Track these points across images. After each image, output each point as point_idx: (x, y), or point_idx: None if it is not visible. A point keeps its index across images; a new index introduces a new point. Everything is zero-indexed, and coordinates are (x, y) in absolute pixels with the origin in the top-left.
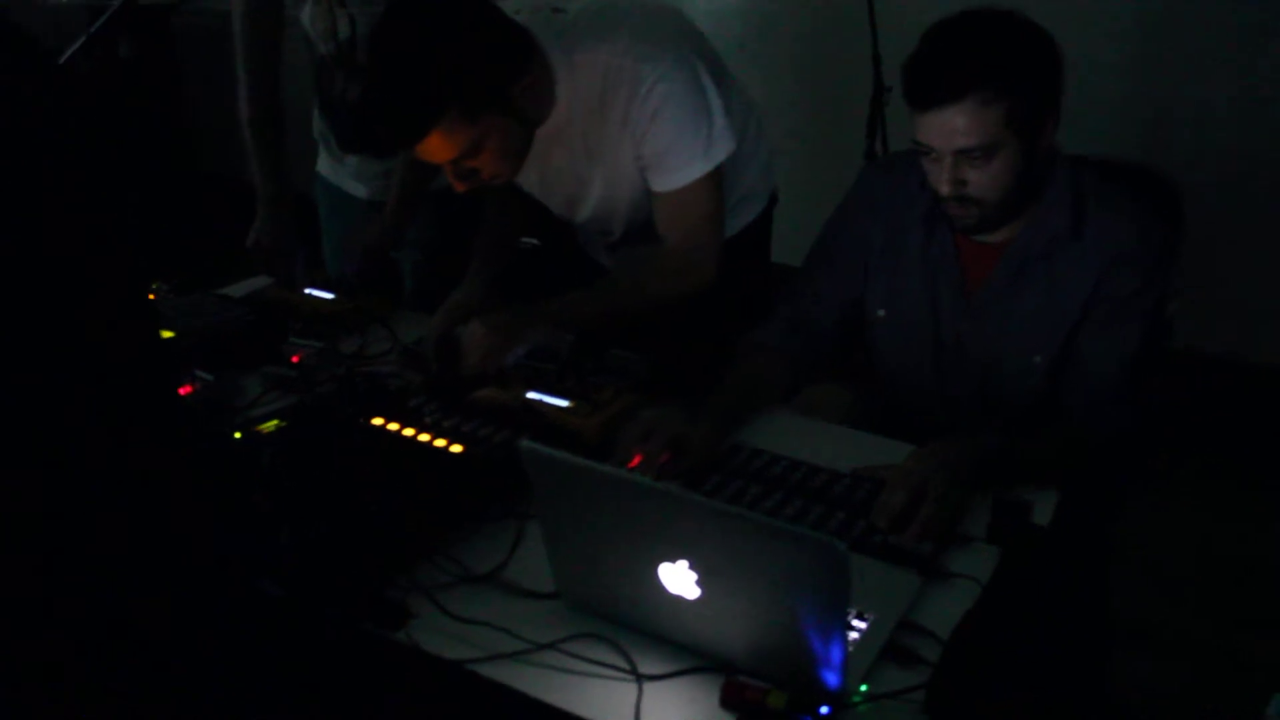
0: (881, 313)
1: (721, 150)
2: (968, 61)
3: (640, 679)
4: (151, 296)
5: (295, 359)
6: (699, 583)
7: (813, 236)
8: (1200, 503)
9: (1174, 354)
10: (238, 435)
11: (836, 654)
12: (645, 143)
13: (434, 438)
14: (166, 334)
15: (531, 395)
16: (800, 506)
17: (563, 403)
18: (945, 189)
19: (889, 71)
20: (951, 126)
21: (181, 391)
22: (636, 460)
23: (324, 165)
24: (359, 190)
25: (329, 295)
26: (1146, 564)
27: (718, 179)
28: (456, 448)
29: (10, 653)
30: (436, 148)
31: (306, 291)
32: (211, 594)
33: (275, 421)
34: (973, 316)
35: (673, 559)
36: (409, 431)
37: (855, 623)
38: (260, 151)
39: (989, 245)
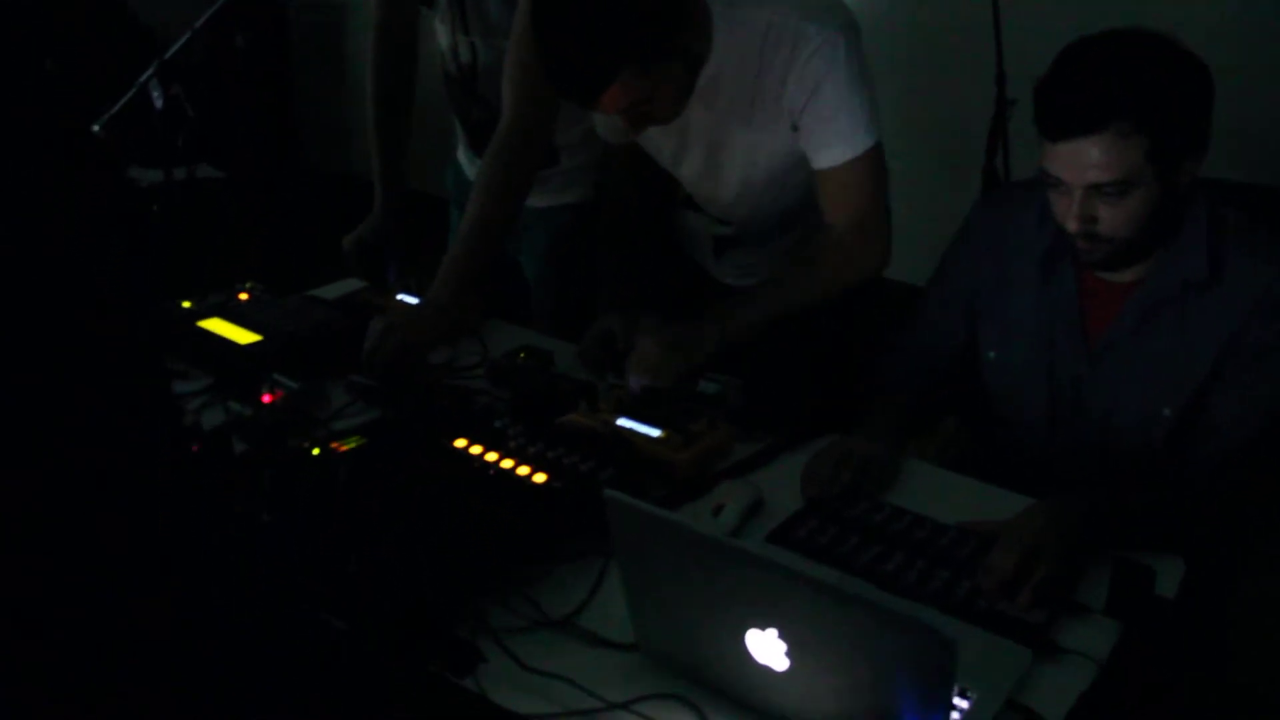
0: (992, 355)
1: (880, 125)
2: (1108, 89)
3: None
4: (245, 296)
5: None
6: (788, 654)
7: (927, 252)
8: None
9: None
10: (316, 451)
11: None
12: (807, 110)
13: (517, 464)
14: (253, 337)
15: (622, 422)
16: (901, 561)
17: (654, 432)
18: (1073, 225)
19: (1015, 88)
20: (1085, 159)
21: (264, 400)
22: None
23: (462, 154)
24: None
25: (419, 300)
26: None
27: (881, 156)
28: (540, 477)
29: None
30: (611, 101)
31: (398, 297)
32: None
33: (356, 439)
34: (1093, 362)
35: (761, 626)
36: (491, 456)
37: (956, 701)
38: (381, 145)
39: (1114, 285)
